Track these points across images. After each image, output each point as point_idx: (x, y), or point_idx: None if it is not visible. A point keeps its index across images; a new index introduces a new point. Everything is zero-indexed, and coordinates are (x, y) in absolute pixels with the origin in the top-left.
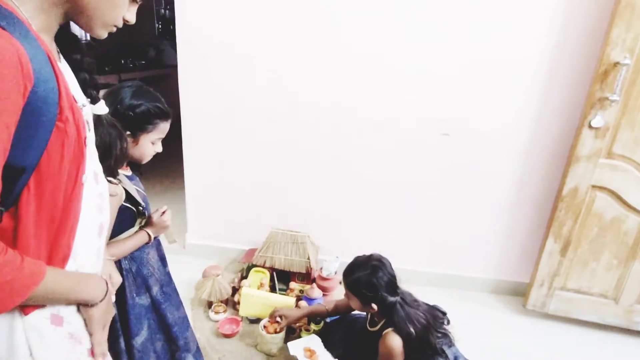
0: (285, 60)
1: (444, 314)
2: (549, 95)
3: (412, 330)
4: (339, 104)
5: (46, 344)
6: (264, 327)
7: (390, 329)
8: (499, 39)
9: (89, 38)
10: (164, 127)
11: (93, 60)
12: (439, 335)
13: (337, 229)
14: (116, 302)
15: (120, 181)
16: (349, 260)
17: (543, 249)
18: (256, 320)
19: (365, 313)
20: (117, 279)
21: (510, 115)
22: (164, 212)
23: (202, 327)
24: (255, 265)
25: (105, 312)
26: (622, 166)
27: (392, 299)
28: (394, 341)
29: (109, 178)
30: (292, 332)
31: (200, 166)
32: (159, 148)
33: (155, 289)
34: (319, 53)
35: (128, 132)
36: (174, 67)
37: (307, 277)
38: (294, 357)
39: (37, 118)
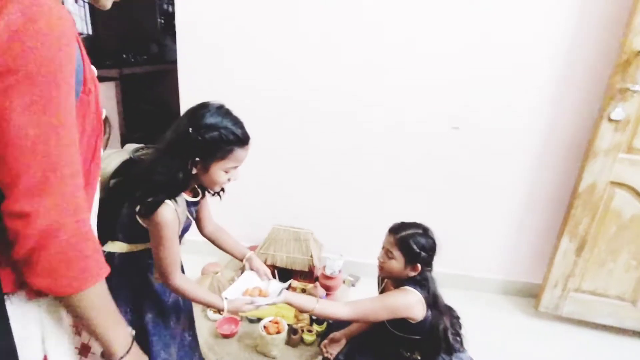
0: (288, 55)
1: (458, 318)
2: (566, 87)
3: (440, 305)
4: (344, 96)
5: (57, 328)
6: (264, 327)
7: (411, 287)
8: (513, 28)
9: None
10: (240, 155)
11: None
12: (454, 334)
13: (342, 226)
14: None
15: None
16: (353, 259)
17: (557, 248)
18: (256, 320)
19: (385, 278)
20: None
21: (524, 108)
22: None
23: (199, 327)
24: None
25: None
26: None
27: (430, 267)
28: (412, 295)
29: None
30: (293, 333)
31: None
32: (234, 177)
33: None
34: (322, 46)
35: (197, 159)
36: (176, 62)
37: (309, 275)
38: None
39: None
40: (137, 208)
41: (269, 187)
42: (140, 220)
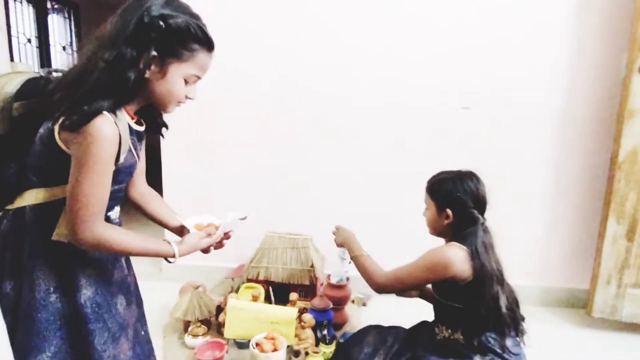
0: (276, 46)
1: (514, 296)
2: (583, 44)
3: (486, 263)
4: (341, 80)
5: None
6: (257, 345)
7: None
8: None
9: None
10: (204, 61)
11: None
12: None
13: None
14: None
15: None
16: None
17: (604, 234)
18: (246, 345)
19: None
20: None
21: (539, 75)
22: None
23: (174, 357)
24: (247, 281)
25: None
26: None
27: (473, 211)
28: (453, 248)
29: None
30: (295, 355)
31: (178, 165)
32: (192, 93)
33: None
34: (309, 35)
35: (155, 54)
36: None
37: (311, 290)
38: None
39: None
40: (62, 120)
41: (259, 194)
42: (61, 142)
